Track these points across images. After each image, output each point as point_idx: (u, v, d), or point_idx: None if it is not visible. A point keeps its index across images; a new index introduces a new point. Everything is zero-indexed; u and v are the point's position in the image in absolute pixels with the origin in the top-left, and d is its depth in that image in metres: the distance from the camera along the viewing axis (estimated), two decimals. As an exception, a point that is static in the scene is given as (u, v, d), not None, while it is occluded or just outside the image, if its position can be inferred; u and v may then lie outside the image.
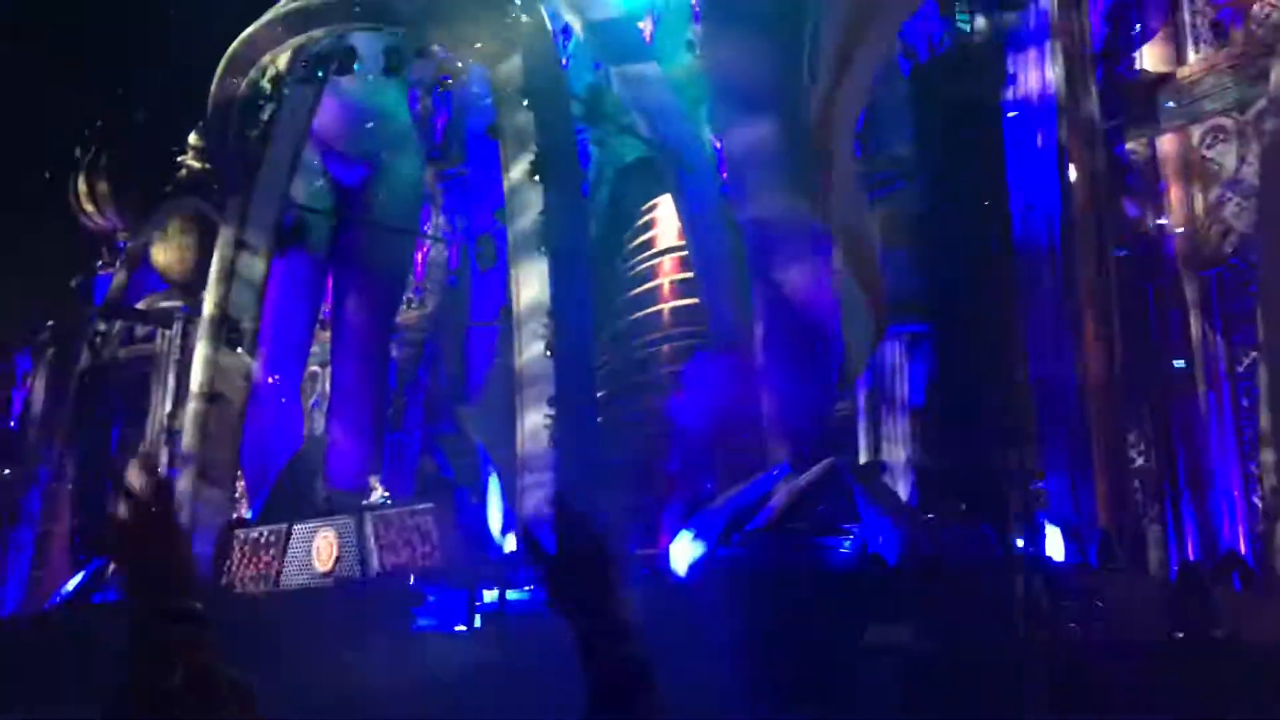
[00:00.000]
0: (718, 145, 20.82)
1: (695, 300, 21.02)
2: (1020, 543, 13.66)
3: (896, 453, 15.77)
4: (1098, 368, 14.60)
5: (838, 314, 16.48)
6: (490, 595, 15.42)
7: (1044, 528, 13.98)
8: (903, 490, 15.49)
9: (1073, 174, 15.59)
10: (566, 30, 21.17)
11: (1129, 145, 17.57)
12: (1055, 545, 13.99)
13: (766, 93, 17.43)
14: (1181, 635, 10.05)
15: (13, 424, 31.42)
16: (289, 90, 20.52)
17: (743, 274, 19.62)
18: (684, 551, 15.39)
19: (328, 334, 25.41)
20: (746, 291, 19.42)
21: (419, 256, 26.06)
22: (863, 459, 16.17)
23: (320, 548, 19.32)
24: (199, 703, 2.00)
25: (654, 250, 22.53)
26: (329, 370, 25.58)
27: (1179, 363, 15.60)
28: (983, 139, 16.31)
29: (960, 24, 16.90)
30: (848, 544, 14.50)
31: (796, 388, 16.87)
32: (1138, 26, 17.75)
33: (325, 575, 18.98)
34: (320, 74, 20.17)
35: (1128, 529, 14.78)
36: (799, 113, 16.85)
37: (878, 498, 14.69)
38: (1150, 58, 17.76)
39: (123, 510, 2.12)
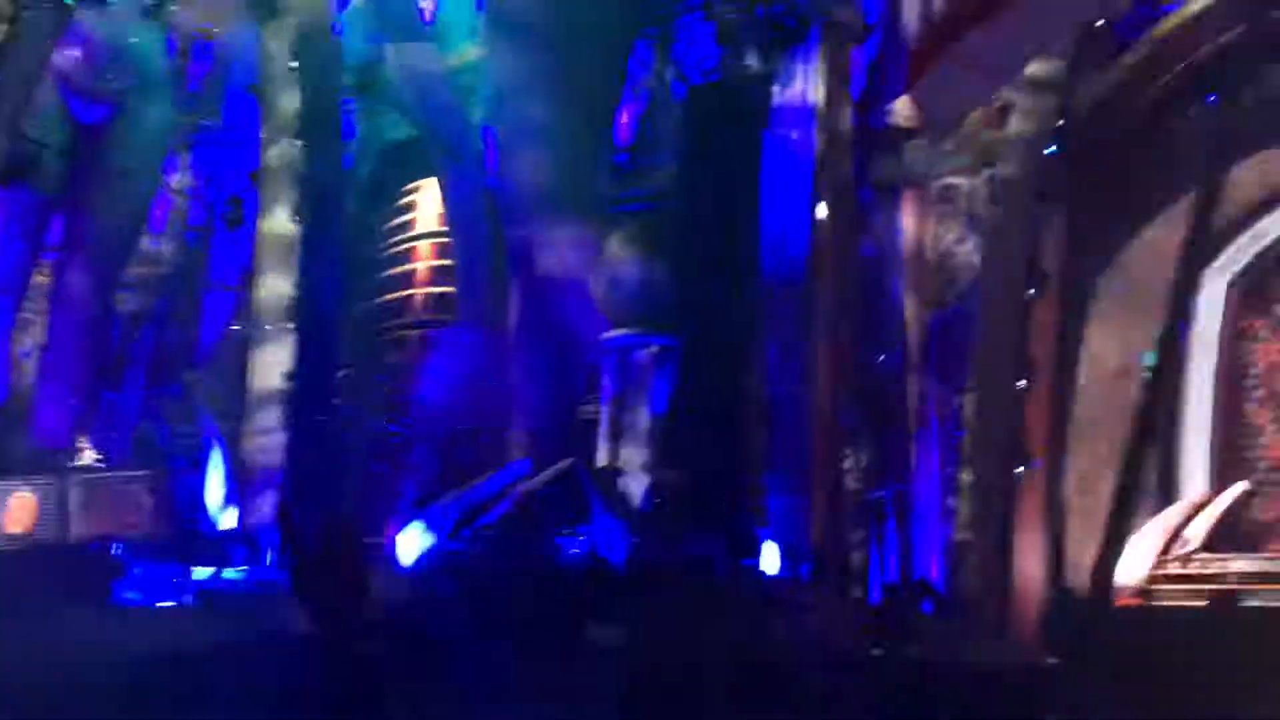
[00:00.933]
0: (487, 137, 20.72)
1: (451, 289, 20.84)
2: (740, 556, 14.27)
3: (634, 459, 16.15)
4: (826, 394, 15.42)
5: (593, 320, 16.75)
6: (202, 572, 14.73)
7: (762, 543, 14.65)
8: (636, 496, 15.86)
9: (821, 209, 16.42)
10: (344, -1, 20.55)
11: (875, 188, 18.69)
12: (772, 561, 14.68)
13: (545, 88, 17.54)
14: (879, 652, 10.77)
15: None
16: (28, 14, 18.92)
17: (500, 266, 19.62)
18: (413, 543, 15.20)
19: (47, 279, 23.52)
20: (502, 284, 19.44)
21: (158, 210, 24.51)
22: (601, 463, 16.45)
23: (15, 507, 17.90)
24: None
25: (412, 233, 22.16)
26: (46, 319, 23.67)
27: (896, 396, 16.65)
28: (745, 166, 16.94)
29: (732, 57, 17.49)
30: (578, 545, 14.73)
31: (543, 386, 17.01)
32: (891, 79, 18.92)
33: (19, 538, 17.61)
34: (68, 2, 18.70)
35: (839, 551, 15.66)
36: (578, 117, 17.05)
37: (612, 502, 14.99)
38: (901, 110, 18.96)
39: None
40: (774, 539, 15.06)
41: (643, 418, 16.30)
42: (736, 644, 9.74)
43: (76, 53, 21.22)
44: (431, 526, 15.32)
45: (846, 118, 16.42)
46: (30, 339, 24.75)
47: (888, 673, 10.29)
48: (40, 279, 23.37)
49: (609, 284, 16.76)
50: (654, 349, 16.47)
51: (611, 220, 18.66)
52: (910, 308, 16.39)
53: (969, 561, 14.74)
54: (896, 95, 16.27)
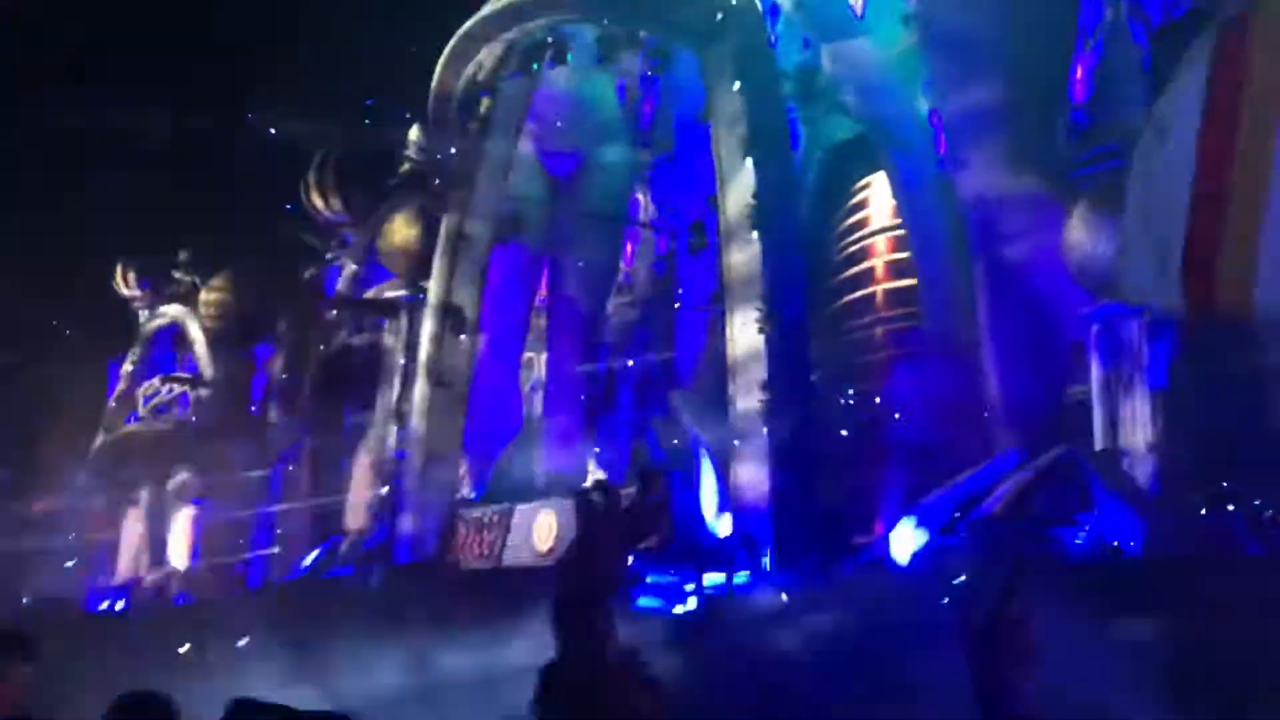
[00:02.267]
0: (934, 122, 20.19)
1: (911, 281, 20.46)
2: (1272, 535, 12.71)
3: (1136, 439, 14.89)
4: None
5: (1069, 291, 15.71)
6: (713, 579, 15.47)
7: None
8: (1143, 479, 14.62)
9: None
10: (774, 9, 20.92)
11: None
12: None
13: (990, 59, 16.77)
14: None
15: (253, 408, 33.58)
16: (504, 84, 21.07)
17: (962, 252, 18.98)
18: (906, 540, 15.03)
19: (543, 321, 26.05)
20: (966, 271, 18.79)
21: (628, 244, 26.32)
22: (1099, 446, 15.33)
23: (541, 528, 19.85)
24: (622, 689, 2.02)
25: (866, 231, 22.02)
26: (544, 356, 26.22)
27: None
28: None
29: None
30: (1082, 535, 13.84)
31: (1025, 371, 16.19)
32: None
33: (545, 555, 19.50)
34: (534, 66, 20.60)
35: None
36: (1027, 81, 16.13)
37: (1117, 487, 13.93)
38: None
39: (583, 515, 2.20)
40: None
41: (1141, 393, 14.99)
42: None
43: (544, 111, 23.42)
44: (923, 523, 15.08)
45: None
46: (534, 375, 27.57)
47: None
48: (537, 321, 26.02)
49: (1085, 252, 15.61)
50: (1146, 317, 15.11)
51: (1076, 184, 17.46)
52: None
53: None
54: None
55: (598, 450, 24.06)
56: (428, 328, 22.14)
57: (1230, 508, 13.00)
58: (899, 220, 20.69)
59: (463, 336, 21.74)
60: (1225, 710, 9.02)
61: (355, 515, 27.50)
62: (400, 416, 25.31)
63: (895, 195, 20.48)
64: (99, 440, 36.60)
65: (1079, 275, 16.04)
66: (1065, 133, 18.38)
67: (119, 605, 30.96)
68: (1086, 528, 14.10)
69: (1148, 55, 17.17)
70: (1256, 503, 12.97)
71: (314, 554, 25.62)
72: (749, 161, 17.27)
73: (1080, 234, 15.90)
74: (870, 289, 21.68)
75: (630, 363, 25.11)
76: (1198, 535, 12.53)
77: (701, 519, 18.61)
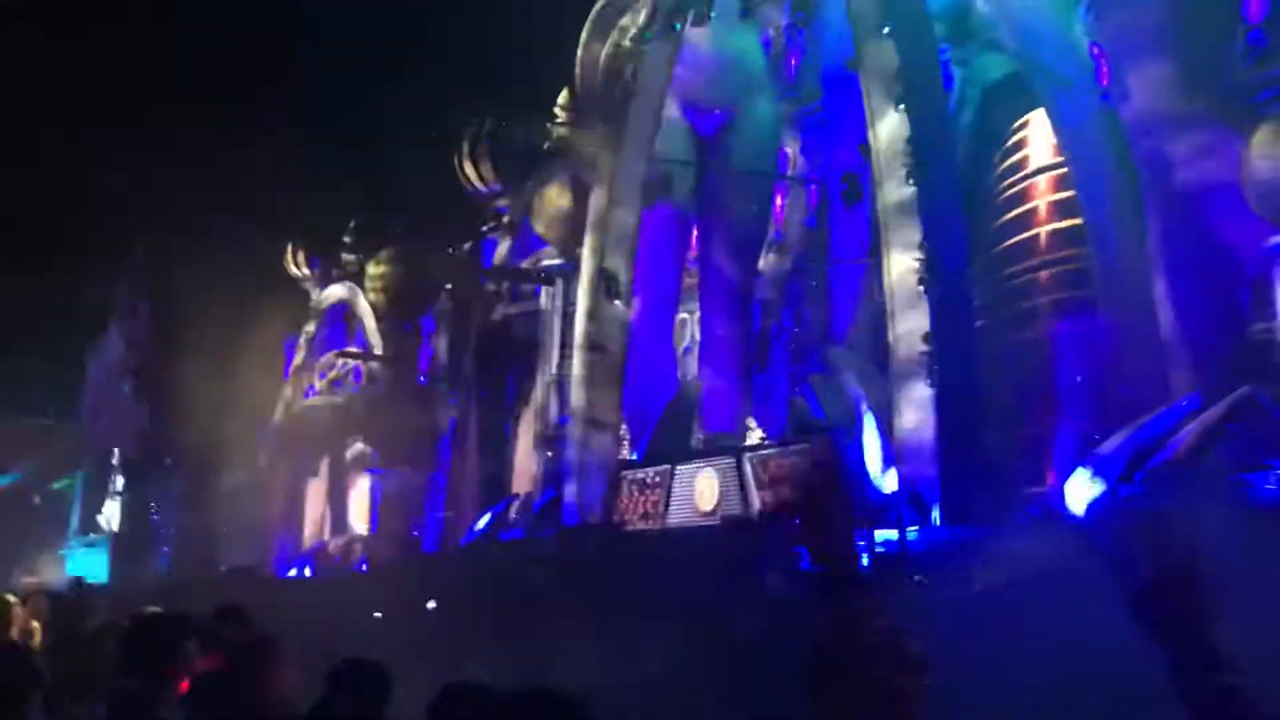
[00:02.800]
0: (1095, 52, 19.29)
1: (1076, 221, 19.67)
2: None
3: (1329, 377, 14.07)
4: None
5: (1251, 226, 14.88)
6: (883, 535, 15.33)
7: None
8: (1338, 418, 13.80)
9: None
10: (921, -51, 20.29)
11: None
12: None
13: (1159, 8, 15.95)
14: None
15: (421, 379, 34.74)
16: (649, 47, 21.05)
17: (1131, 188, 18.15)
18: (1081, 491, 14.56)
19: (694, 281, 26.09)
20: (1134, 208, 17.97)
21: (778, 199, 26.04)
22: (1287, 385, 14.54)
23: (702, 488, 20.02)
24: (879, 670, 2.05)
25: (1026, 171, 21.22)
26: (697, 316, 26.29)
27: None
28: None
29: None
30: (1273, 480, 13.15)
31: (1203, 310, 15.42)
32: None
33: (709, 514, 19.67)
34: (677, 27, 20.51)
35: None
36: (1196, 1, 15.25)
37: (1309, 428, 13.19)
38: None
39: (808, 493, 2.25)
40: None
41: (1334, 327, 14.12)
42: None
43: (689, 70, 23.31)
44: (1099, 472, 14.57)
45: None
46: (687, 336, 27.68)
47: None
48: (689, 281, 26.05)
49: (1267, 181, 14.72)
50: (1336, 246, 14.20)
51: (1255, 109, 16.46)
52: None
53: None
54: None
55: (756, 409, 24.06)
56: (583, 295, 22.46)
57: None
58: (1061, 159, 19.89)
59: (617, 302, 21.97)
60: None
61: (522, 479, 28.28)
62: (560, 383, 25.84)
63: (1056, 132, 19.66)
64: (279, 415, 38.51)
65: (1260, 206, 15.17)
66: (1241, 53, 17.34)
67: (306, 571, 32.64)
68: (1278, 473, 13.38)
69: (1333, -35, 16.04)
70: None
71: (485, 518, 26.43)
72: (902, 108, 16.83)
73: (1261, 162, 15.02)
74: (1034, 231, 20.93)
75: (785, 320, 24.95)
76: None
77: (867, 476, 18.43)
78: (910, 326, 16.69)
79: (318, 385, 37.38)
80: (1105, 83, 18.81)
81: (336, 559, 32.53)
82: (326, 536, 35.20)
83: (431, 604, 18.84)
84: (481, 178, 31.63)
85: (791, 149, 25.60)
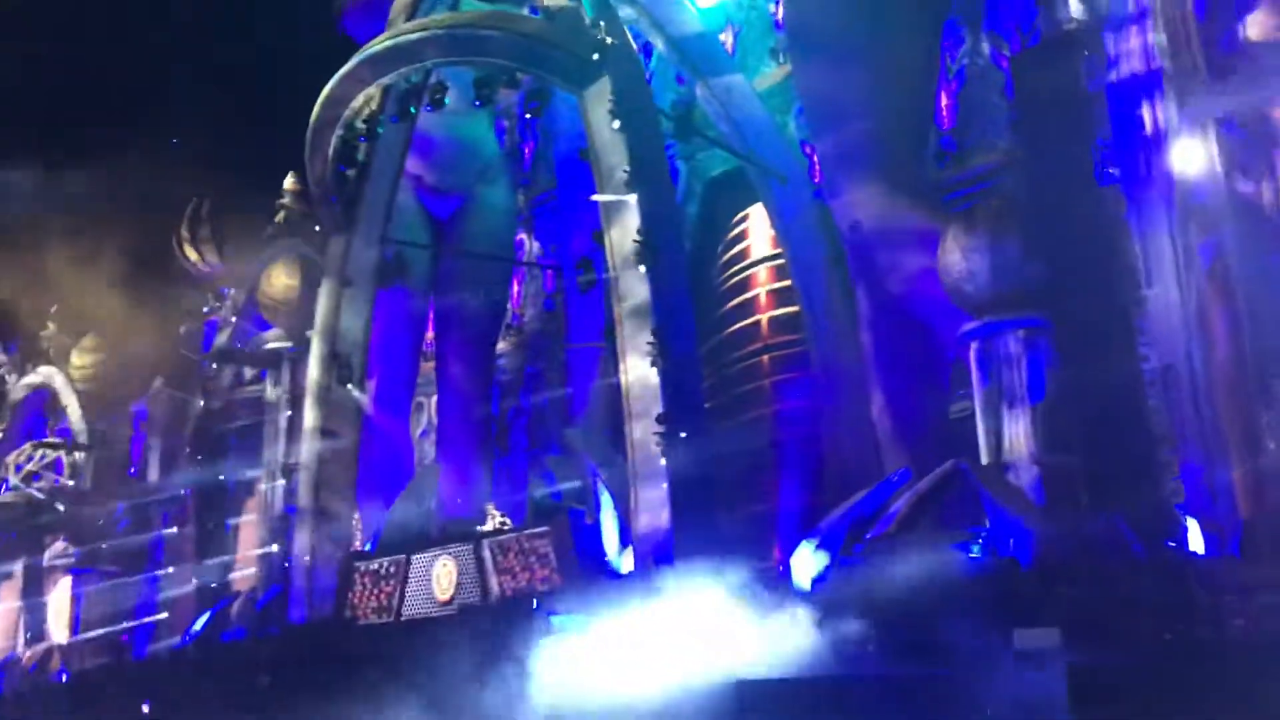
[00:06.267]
0: (808, 151, 20.69)
1: (794, 309, 20.85)
2: (1158, 537, 13.24)
3: (1020, 451, 15.38)
4: (1226, 353, 14.10)
5: (948, 312, 16.20)
6: (614, 615, 15.36)
7: (1183, 522, 13.50)
8: (1029, 489, 15.09)
9: (1183, 151, 15.11)
10: (648, 48, 21.22)
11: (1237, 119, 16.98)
12: (1195, 539, 13.50)
13: (858, 91, 17.31)
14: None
15: (132, 470, 32.39)
16: (382, 128, 20.86)
17: (842, 278, 19.45)
18: (807, 563, 15.20)
19: (430, 365, 25.75)
20: (847, 295, 19.24)
21: (514, 283, 26.25)
22: (984, 460, 15.80)
23: (440, 576, 19.50)
24: None
25: (748, 261, 22.40)
26: (434, 400, 25.92)
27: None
28: (1081, 123, 15.92)
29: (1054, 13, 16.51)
30: (977, 548, 14.19)
31: (909, 391, 16.60)
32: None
33: (446, 604, 19.16)
34: (412, 110, 20.46)
35: (1267, 518, 14.20)
36: (896, 111, 16.65)
37: (1005, 499, 14.35)
38: (1255, 27, 17.16)
39: None
40: (1193, 515, 13.86)
41: (1022, 406, 15.51)
42: (1191, 637, 8.90)
43: (423, 154, 23.24)
44: (823, 545, 15.28)
45: (1196, 45, 15.07)
46: (424, 420, 27.21)
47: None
48: (425, 366, 25.69)
49: (960, 273, 16.13)
50: (1022, 332, 15.65)
51: (949, 208, 18.07)
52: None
53: None
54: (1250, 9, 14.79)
55: (495, 492, 23.83)
56: (313, 378, 21.64)
57: (1114, 512, 13.49)
58: (779, 249, 21.10)
59: (349, 385, 21.31)
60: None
61: (245, 575, 26.70)
62: (288, 471, 24.70)
63: (774, 225, 20.90)
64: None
65: (954, 295, 16.56)
66: (935, 157, 19.06)
67: (-5, 685, 29.44)
68: (980, 540, 14.45)
69: (1009, 79, 17.91)
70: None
71: (204, 618, 24.74)
72: (633, 198, 17.38)
73: (955, 255, 16.43)
74: (755, 317, 22.03)
75: (523, 403, 24.97)
76: (1085, 541, 12.95)
77: (604, 555, 18.55)
78: (645, 408, 17.02)
79: (12, 479, 34.14)
80: (818, 179, 20.21)
81: (33, 669, 29.50)
82: (19, 646, 31.89)
83: (145, 708, 17.36)
84: (203, 256, 30.20)
85: (527, 234, 25.93)
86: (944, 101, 19.34)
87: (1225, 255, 14.83)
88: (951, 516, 14.68)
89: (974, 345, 16.42)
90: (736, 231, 22.70)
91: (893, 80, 18.16)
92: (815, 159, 20.24)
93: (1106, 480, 13.64)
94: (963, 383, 17.26)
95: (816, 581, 14.95)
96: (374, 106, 20.61)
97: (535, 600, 16.90)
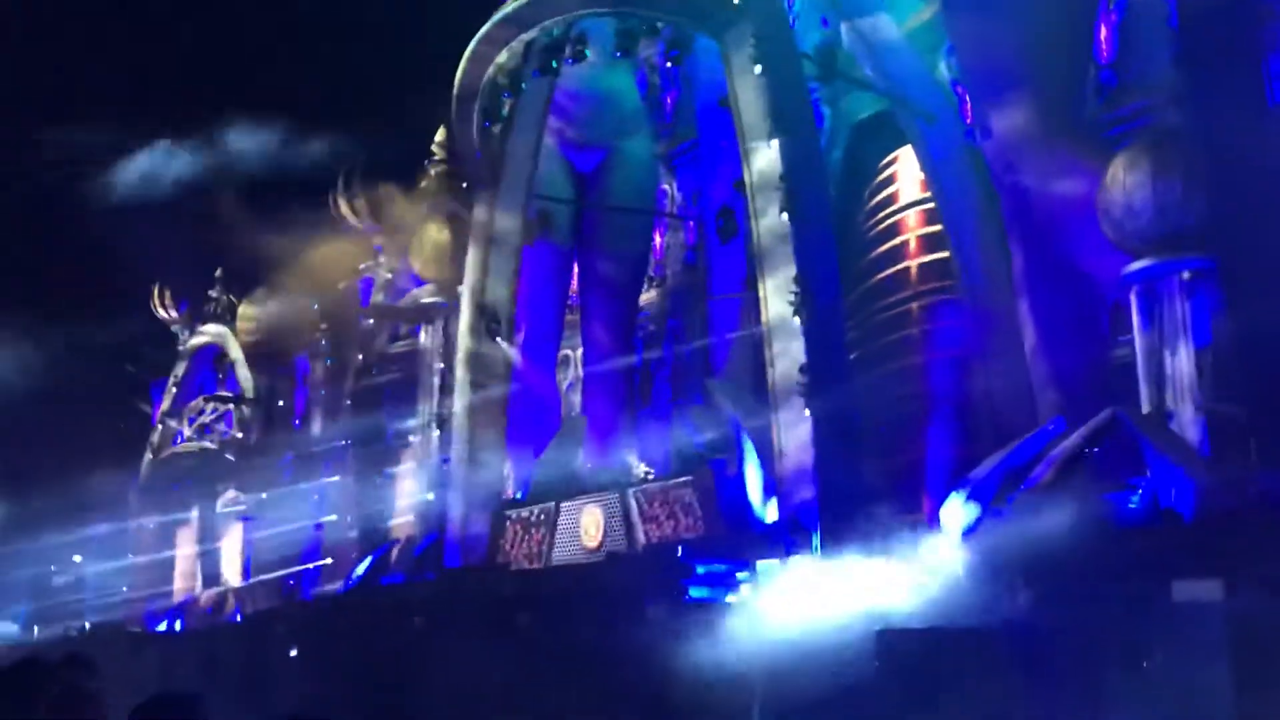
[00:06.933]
0: (959, 91, 20.01)
1: (944, 254, 20.29)
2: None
3: (1183, 399, 14.68)
4: None
5: (1108, 254, 15.53)
6: (765, 565, 15.41)
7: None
8: (1193, 439, 14.42)
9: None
10: (791, -10, 20.82)
11: None
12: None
13: (1011, 23, 16.66)
14: None
15: (296, 423, 33.82)
16: (526, 84, 21.05)
17: (995, 221, 18.80)
18: (956, 515, 14.90)
19: (576, 317, 26.06)
20: (999, 239, 18.62)
21: (657, 235, 26.26)
22: (1145, 408, 15.14)
23: (587, 524, 19.89)
24: None
25: (896, 206, 21.84)
26: (580, 353, 26.24)
27: None
28: (1251, 50, 14.96)
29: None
30: (1135, 499, 13.67)
31: (1065, 337, 16.01)
32: None
33: (593, 550, 19.53)
34: (554, 64, 20.56)
35: None
36: (1051, 45, 15.95)
37: (1167, 448, 13.74)
38: None
39: None
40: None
41: (1185, 351, 14.79)
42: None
43: (566, 108, 23.40)
44: (973, 496, 14.95)
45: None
46: (570, 372, 27.60)
47: None
48: (570, 318, 26.02)
49: (1121, 212, 15.41)
50: (1187, 274, 14.89)
51: (1108, 144, 17.27)
52: None
53: None
54: None
55: (639, 443, 24.06)
56: (463, 332, 22.20)
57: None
58: (929, 193, 20.53)
59: (498, 339, 21.78)
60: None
61: (404, 523, 27.69)
62: (441, 421, 25.44)
63: (924, 168, 20.31)
64: (146, 462, 37.06)
65: (1116, 235, 15.86)
66: (1093, 92, 18.19)
67: (177, 625, 31.34)
68: (1140, 491, 13.92)
69: (1173, 10, 16.94)
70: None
71: (365, 563, 25.79)
72: (774, 144, 17.15)
73: (1116, 193, 15.72)
74: (904, 264, 21.51)
75: (666, 354, 25.06)
76: (1251, 493, 12.32)
77: (749, 505, 18.56)
78: (787, 359, 16.90)
79: (186, 431, 36.12)
80: (969, 120, 19.54)
81: (209, 610, 31.33)
82: (198, 588, 33.89)
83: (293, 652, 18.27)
84: (358, 215, 31.13)
85: (669, 185, 25.87)
86: (1103, 34, 18.41)
87: None
88: (1109, 467, 14.15)
89: (1135, 288, 15.73)
90: (884, 176, 22.14)
91: (1047, 13, 17.37)
92: (966, 99, 19.55)
93: (1274, 429, 12.89)
94: (1123, 328, 16.58)
95: (967, 533, 14.65)
96: (517, 62, 20.79)
97: (680, 548, 17.06)
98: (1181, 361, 14.81)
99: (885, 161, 22.00)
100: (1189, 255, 14.91)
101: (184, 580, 35.38)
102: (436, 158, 29.27)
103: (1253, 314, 13.78)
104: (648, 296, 26.20)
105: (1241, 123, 14.46)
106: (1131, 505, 13.68)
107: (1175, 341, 15.01)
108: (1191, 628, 9.06)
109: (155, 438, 37.26)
